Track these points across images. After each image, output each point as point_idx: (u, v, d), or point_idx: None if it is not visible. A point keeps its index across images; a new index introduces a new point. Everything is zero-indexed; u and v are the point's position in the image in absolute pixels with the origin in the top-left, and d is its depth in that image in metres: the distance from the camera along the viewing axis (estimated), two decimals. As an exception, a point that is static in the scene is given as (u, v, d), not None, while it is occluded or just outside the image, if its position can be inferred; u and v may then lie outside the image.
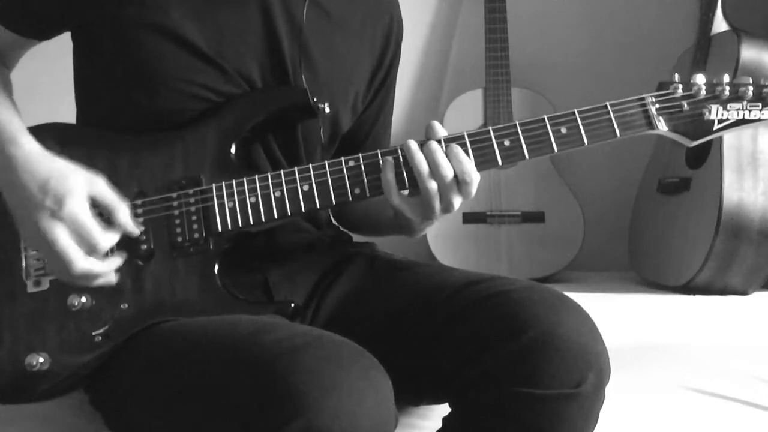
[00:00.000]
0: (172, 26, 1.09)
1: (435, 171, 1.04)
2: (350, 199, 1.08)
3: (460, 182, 1.04)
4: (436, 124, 1.08)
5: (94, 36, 1.12)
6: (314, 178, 1.08)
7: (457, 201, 1.06)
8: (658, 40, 2.57)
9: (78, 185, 1.00)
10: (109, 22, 1.10)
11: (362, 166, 1.08)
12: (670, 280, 2.24)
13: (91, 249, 1.00)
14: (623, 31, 2.61)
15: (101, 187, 1.03)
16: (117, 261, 1.04)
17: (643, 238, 2.44)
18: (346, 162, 1.08)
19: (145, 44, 1.09)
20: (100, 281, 1.03)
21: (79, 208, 0.99)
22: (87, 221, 1.00)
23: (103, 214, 1.03)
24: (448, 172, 1.04)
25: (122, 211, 1.03)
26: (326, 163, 1.08)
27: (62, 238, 0.98)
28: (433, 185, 1.04)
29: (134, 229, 1.05)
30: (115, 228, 1.03)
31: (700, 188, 2.20)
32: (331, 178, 1.07)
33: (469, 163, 1.05)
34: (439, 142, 1.06)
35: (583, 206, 2.41)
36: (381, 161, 1.07)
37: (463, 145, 1.07)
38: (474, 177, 1.05)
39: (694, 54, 2.29)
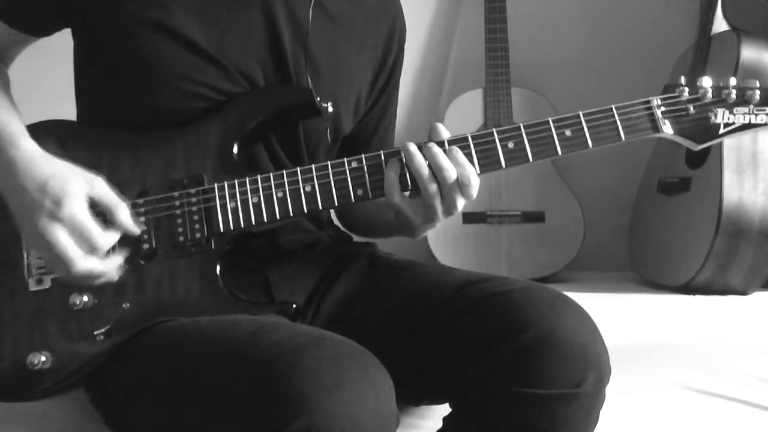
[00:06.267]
0: (173, 24, 1.09)
1: (438, 173, 1.04)
2: (353, 200, 1.08)
3: (460, 185, 1.04)
4: (440, 126, 1.07)
5: (95, 34, 1.12)
6: (317, 179, 1.08)
7: (459, 203, 1.06)
8: (658, 40, 2.57)
9: (77, 186, 1.00)
10: (110, 19, 1.10)
11: (365, 167, 1.07)
12: (670, 280, 2.25)
13: (90, 249, 1.00)
14: (623, 31, 2.61)
15: (100, 188, 1.03)
16: (117, 260, 1.04)
17: (643, 238, 2.44)
18: (349, 163, 1.08)
19: (146, 42, 1.09)
20: (101, 280, 1.03)
21: (77, 209, 0.99)
22: (85, 222, 1.00)
23: (103, 214, 1.03)
24: (450, 174, 1.04)
25: (122, 211, 1.03)
26: (329, 163, 1.08)
27: (62, 238, 0.99)
28: (433, 187, 1.04)
29: (134, 228, 1.05)
30: (115, 227, 1.03)
31: (700, 188, 2.20)
32: (333, 179, 1.07)
33: (468, 166, 1.05)
34: (441, 144, 1.06)
35: (583, 206, 2.41)
36: (384, 162, 1.07)
37: (467, 147, 1.07)
38: (473, 180, 1.04)
39: (694, 54, 2.29)
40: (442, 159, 1.04)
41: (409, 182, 1.06)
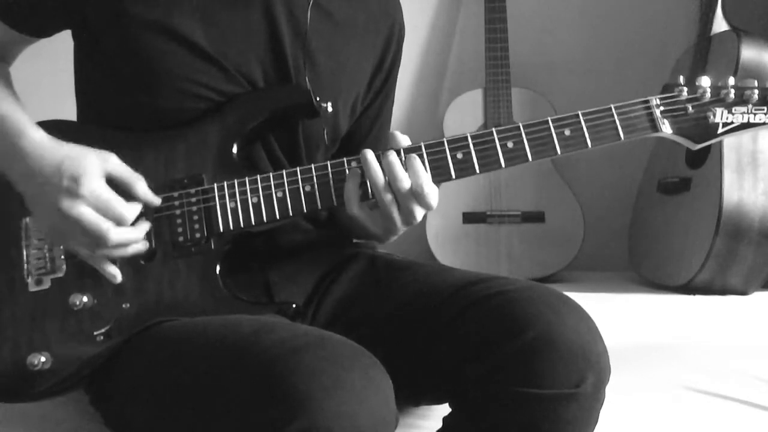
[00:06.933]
0: (174, 25, 1.09)
1: (392, 182, 1.04)
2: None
3: (415, 194, 1.04)
4: (397, 134, 1.08)
5: (96, 34, 1.12)
6: (316, 179, 1.08)
7: (417, 212, 1.06)
8: (658, 40, 2.57)
9: (92, 163, 1.01)
10: (110, 20, 1.10)
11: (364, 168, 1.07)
12: (670, 280, 2.25)
13: (117, 221, 1.01)
14: (623, 31, 2.61)
15: (115, 163, 1.04)
16: (145, 227, 1.05)
17: (643, 238, 2.44)
18: (348, 163, 1.08)
19: (147, 43, 1.09)
20: (133, 248, 1.04)
21: (96, 185, 1.00)
22: (108, 195, 1.01)
23: (119, 188, 1.03)
24: (404, 183, 1.04)
25: (140, 184, 1.04)
26: (328, 163, 1.08)
27: (87, 213, 0.99)
28: (388, 197, 1.04)
29: (154, 199, 1.06)
30: (134, 200, 1.04)
31: (700, 188, 2.20)
32: (333, 179, 1.07)
33: (424, 175, 1.05)
34: (398, 152, 1.06)
35: (583, 206, 2.41)
36: (347, 170, 1.07)
37: (466, 147, 1.07)
38: (428, 189, 1.04)
39: (694, 54, 2.29)
40: (397, 168, 1.04)
41: (370, 193, 1.06)
